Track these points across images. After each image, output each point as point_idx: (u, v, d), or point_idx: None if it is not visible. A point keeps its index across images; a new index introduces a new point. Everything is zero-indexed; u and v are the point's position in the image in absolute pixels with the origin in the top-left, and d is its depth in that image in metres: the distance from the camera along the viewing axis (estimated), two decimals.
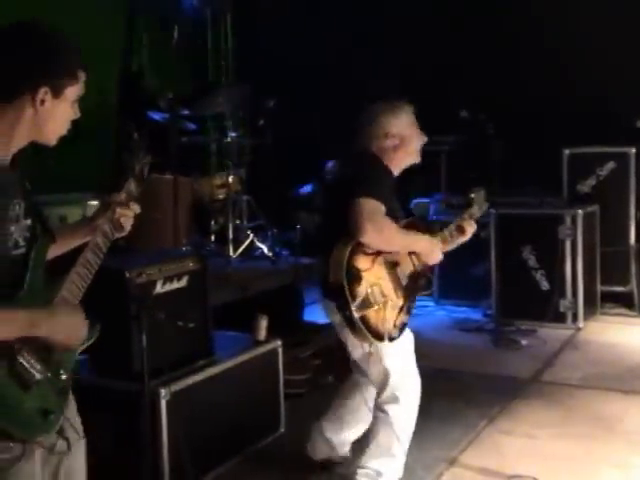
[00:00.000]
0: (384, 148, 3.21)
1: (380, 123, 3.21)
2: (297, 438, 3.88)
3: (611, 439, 3.84)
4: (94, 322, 2.01)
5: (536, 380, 4.83)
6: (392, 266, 3.13)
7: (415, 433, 3.34)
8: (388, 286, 3.10)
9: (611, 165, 6.33)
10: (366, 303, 2.98)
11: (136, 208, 2.12)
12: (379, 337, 3.02)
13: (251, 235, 5.52)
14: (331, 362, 4.81)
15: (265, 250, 5.48)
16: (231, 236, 5.39)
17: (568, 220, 5.91)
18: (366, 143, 3.24)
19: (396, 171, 3.26)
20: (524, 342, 5.58)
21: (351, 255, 3.00)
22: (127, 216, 2.09)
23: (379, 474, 3.20)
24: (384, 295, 3.06)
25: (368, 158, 3.21)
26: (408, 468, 3.44)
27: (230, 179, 5.53)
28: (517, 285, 5.96)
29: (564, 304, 5.96)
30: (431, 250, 3.22)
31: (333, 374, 4.79)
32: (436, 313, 6.28)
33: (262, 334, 3.86)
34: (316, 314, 6.14)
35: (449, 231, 3.35)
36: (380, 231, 2.98)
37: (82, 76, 1.92)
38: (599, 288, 6.32)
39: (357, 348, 3.14)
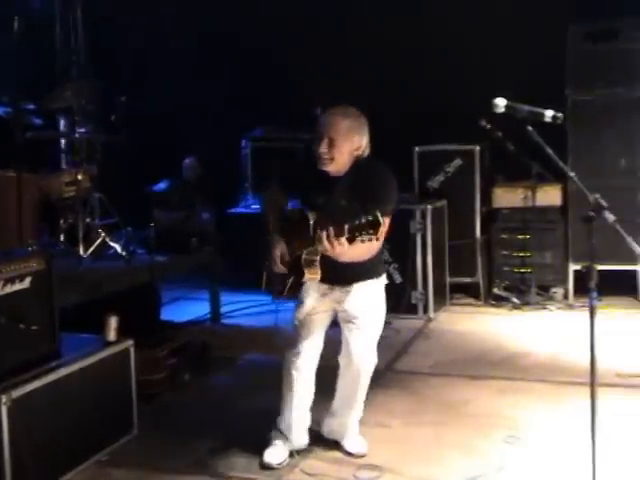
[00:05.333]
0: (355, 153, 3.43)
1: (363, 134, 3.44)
2: (151, 439, 3.82)
3: (458, 424, 4.00)
4: None
5: (390, 369, 4.97)
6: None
7: None
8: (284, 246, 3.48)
9: (458, 162, 6.63)
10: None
11: None
12: None
13: (102, 234, 5.36)
14: (187, 360, 4.77)
15: (118, 249, 5.34)
16: (81, 235, 5.22)
17: (418, 215, 6.12)
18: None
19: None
20: None
21: None
22: None
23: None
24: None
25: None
26: (256, 463, 3.51)
27: (79, 176, 5.34)
28: None
29: (416, 296, 6.18)
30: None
31: (189, 372, 4.75)
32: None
33: (112, 334, 3.76)
34: (174, 313, 6.07)
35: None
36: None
37: None
38: (448, 280, 6.61)
39: None
